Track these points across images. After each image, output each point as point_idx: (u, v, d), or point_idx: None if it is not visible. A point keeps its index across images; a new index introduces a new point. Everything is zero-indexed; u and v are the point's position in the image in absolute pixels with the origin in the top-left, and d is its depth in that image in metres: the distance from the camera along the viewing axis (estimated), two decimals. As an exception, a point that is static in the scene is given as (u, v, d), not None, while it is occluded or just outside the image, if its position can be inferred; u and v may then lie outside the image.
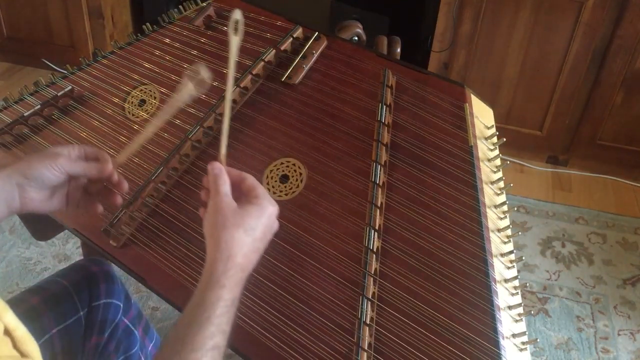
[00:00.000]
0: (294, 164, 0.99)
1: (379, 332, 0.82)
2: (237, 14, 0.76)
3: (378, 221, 0.90)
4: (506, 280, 0.87)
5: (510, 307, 0.85)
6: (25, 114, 1.10)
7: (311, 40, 1.13)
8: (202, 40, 1.18)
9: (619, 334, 1.74)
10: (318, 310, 0.84)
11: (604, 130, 2.32)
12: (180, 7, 1.26)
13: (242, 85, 1.07)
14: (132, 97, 1.13)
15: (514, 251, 0.90)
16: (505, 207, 0.94)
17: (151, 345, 1.10)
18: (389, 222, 0.91)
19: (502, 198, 0.95)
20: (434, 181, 0.94)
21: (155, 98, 1.11)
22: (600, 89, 2.22)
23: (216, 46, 1.17)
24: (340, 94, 1.06)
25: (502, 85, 2.31)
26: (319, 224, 0.91)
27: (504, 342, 0.80)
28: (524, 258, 1.97)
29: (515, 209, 2.17)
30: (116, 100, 1.13)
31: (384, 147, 0.97)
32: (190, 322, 0.66)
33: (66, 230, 1.08)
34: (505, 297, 0.85)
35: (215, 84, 1.11)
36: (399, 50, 1.29)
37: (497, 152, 1.00)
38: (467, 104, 1.01)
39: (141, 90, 1.13)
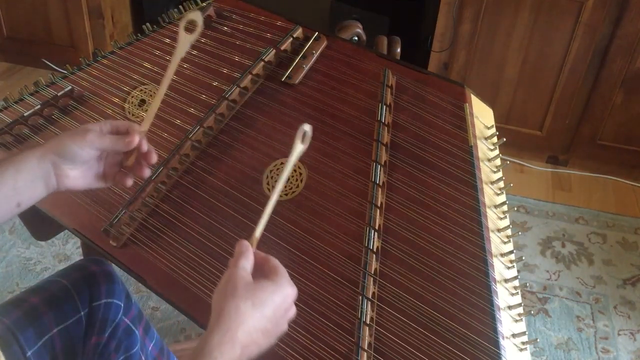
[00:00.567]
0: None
1: (379, 332, 0.82)
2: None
3: (378, 221, 0.90)
4: (506, 280, 0.87)
5: (510, 307, 0.85)
6: (25, 114, 1.10)
7: (311, 40, 1.13)
8: (202, 40, 1.18)
9: (619, 334, 1.74)
10: (318, 310, 0.84)
11: (604, 130, 2.32)
12: (180, 7, 1.26)
13: (242, 85, 1.07)
14: (132, 97, 1.13)
15: (514, 251, 0.90)
16: (505, 207, 0.94)
17: (151, 345, 1.10)
18: (389, 222, 0.91)
19: (502, 198, 0.95)
20: (434, 181, 0.94)
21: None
22: (600, 89, 2.22)
23: (216, 46, 1.17)
24: (340, 94, 1.06)
25: (502, 85, 2.31)
26: (319, 224, 0.91)
27: (504, 342, 0.80)
28: (524, 258, 1.97)
29: (515, 209, 2.17)
30: (116, 100, 1.13)
31: (384, 147, 0.97)
32: None
33: (66, 230, 1.08)
34: (505, 297, 0.85)
35: (215, 83, 1.11)
36: (399, 50, 1.30)
37: (497, 152, 1.00)
38: (467, 104, 1.02)
39: (141, 90, 1.13)
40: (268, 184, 0.97)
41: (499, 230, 0.92)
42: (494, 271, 0.86)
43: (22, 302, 0.91)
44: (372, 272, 0.85)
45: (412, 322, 0.82)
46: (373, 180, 0.93)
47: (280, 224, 0.92)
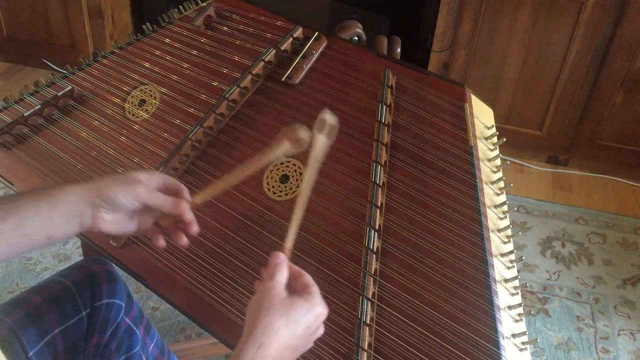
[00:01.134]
0: (294, 164, 0.99)
1: (379, 332, 0.82)
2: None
3: (378, 221, 0.90)
4: (506, 280, 0.87)
5: (510, 307, 0.85)
6: (25, 114, 1.10)
7: (311, 40, 1.13)
8: (202, 40, 1.19)
9: (619, 334, 1.74)
10: (318, 310, 0.84)
11: (604, 130, 2.32)
12: (180, 7, 1.26)
13: (242, 85, 1.07)
14: (132, 97, 1.13)
15: (514, 251, 0.90)
16: (505, 207, 0.95)
17: (152, 345, 1.10)
18: (389, 222, 0.91)
19: (502, 198, 0.95)
20: (434, 181, 0.94)
21: (155, 98, 1.11)
22: (600, 89, 2.22)
23: (216, 46, 1.17)
24: (341, 94, 1.06)
25: (502, 85, 2.31)
26: (319, 224, 0.91)
27: (504, 342, 0.80)
28: (524, 258, 1.98)
29: (515, 209, 2.18)
30: (116, 100, 1.13)
31: (384, 147, 0.97)
32: None
33: (66, 230, 1.08)
34: (505, 297, 0.86)
35: (215, 83, 1.11)
36: (399, 50, 1.30)
37: (497, 152, 1.00)
38: (467, 104, 1.02)
39: (141, 90, 1.13)
40: (268, 184, 0.97)
41: (499, 230, 0.92)
42: (494, 271, 0.86)
43: (24, 302, 0.91)
44: (372, 272, 0.85)
45: (412, 322, 0.82)
46: (373, 180, 0.93)
47: (280, 224, 0.92)
